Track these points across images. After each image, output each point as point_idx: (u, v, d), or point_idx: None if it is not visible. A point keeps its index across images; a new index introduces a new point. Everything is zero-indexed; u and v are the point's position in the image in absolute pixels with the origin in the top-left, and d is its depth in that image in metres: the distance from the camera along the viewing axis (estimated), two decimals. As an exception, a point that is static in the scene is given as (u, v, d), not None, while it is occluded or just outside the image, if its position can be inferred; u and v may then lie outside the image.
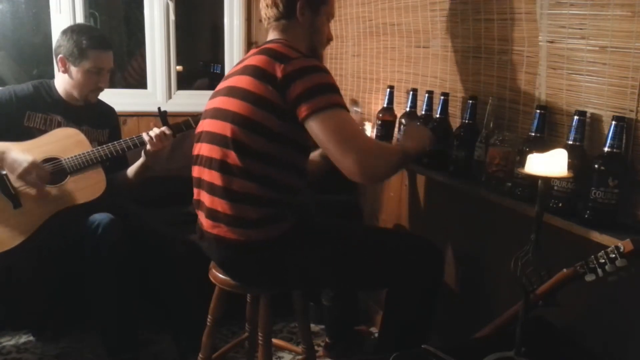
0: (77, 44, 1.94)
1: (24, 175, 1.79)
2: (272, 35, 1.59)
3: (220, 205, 1.47)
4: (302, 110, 1.38)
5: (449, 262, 1.89)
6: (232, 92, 1.48)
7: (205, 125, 1.54)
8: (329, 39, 1.66)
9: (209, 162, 1.49)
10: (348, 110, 1.44)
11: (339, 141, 1.37)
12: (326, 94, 1.39)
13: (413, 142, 1.58)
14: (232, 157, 1.43)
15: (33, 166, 1.79)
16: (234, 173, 1.44)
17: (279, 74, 1.39)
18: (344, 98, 1.46)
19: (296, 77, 1.39)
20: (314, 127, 1.38)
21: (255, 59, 1.47)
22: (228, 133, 1.44)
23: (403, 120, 1.96)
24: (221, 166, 1.46)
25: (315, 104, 1.37)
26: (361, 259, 1.53)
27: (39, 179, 1.82)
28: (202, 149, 1.53)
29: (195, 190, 1.58)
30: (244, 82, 1.45)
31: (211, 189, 1.49)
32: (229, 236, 1.48)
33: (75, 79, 1.98)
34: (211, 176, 1.49)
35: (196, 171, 1.56)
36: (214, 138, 1.48)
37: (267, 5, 1.56)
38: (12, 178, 1.84)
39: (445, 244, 1.93)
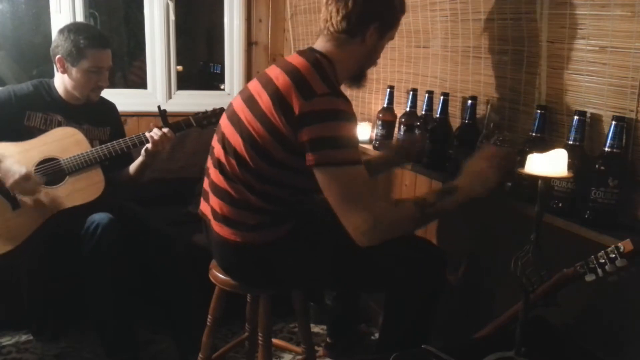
0: (75, 44, 1.93)
1: (14, 187, 1.79)
2: (321, 43, 1.47)
3: (219, 205, 1.48)
4: (310, 158, 1.31)
5: (449, 262, 1.89)
6: (250, 102, 1.42)
7: (223, 122, 1.51)
8: (378, 57, 1.58)
9: (214, 161, 1.50)
10: (361, 164, 1.34)
11: (340, 203, 1.32)
12: (337, 149, 1.30)
13: (461, 193, 1.40)
14: (233, 166, 1.43)
15: (24, 178, 1.79)
16: (233, 180, 1.44)
17: (296, 109, 1.31)
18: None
19: (311, 121, 1.30)
20: (320, 179, 1.33)
21: (280, 78, 1.37)
22: (233, 142, 1.43)
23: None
24: (223, 170, 1.46)
25: (323, 157, 1.30)
26: (362, 261, 1.52)
27: (30, 190, 1.82)
28: (215, 144, 1.52)
29: (205, 179, 1.58)
30: (263, 99, 1.38)
31: (214, 187, 1.50)
32: (228, 236, 1.48)
33: (75, 79, 1.98)
34: (215, 175, 1.49)
35: (208, 161, 1.56)
36: (224, 141, 1.47)
37: (337, 12, 1.41)
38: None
39: (445, 244, 1.92)
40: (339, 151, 1.31)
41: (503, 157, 1.41)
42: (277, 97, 1.35)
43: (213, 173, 1.50)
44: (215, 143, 1.52)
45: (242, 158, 1.41)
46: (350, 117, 1.35)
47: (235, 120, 1.45)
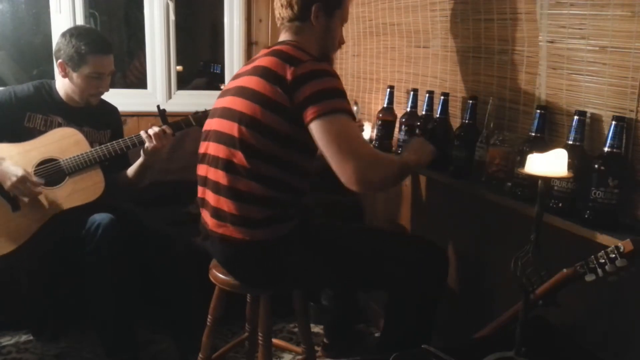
0: (77, 49, 1.92)
1: (12, 189, 1.80)
2: (284, 36, 1.59)
3: (225, 204, 1.48)
4: (308, 113, 1.38)
5: (449, 262, 1.89)
6: (241, 92, 1.48)
7: (213, 124, 1.54)
8: (341, 42, 1.65)
9: (215, 161, 1.50)
10: (354, 117, 1.44)
11: (340, 147, 1.38)
12: (333, 99, 1.39)
13: (415, 155, 1.58)
14: (239, 157, 1.44)
15: (22, 180, 1.78)
16: (240, 173, 1.45)
17: (289, 76, 1.40)
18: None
19: (305, 81, 1.39)
20: (317, 131, 1.39)
21: (265, 60, 1.47)
22: (235, 133, 1.44)
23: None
24: (227, 166, 1.46)
25: (321, 108, 1.38)
26: (363, 260, 1.53)
27: (28, 192, 1.81)
28: (209, 147, 1.53)
29: (200, 189, 1.58)
30: (253, 83, 1.45)
31: (216, 188, 1.50)
32: (234, 235, 1.48)
33: (76, 83, 1.97)
34: (217, 175, 1.49)
35: (202, 169, 1.56)
36: (221, 137, 1.48)
37: (281, 5, 1.56)
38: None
39: (446, 244, 1.93)
40: (334, 101, 1.40)
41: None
42: (268, 72, 1.44)
43: (214, 174, 1.50)
44: (210, 146, 1.52)
45: (248, 144, 1.43)
46: (336, 75, 1.46)
47: (229, 114, 1.48)
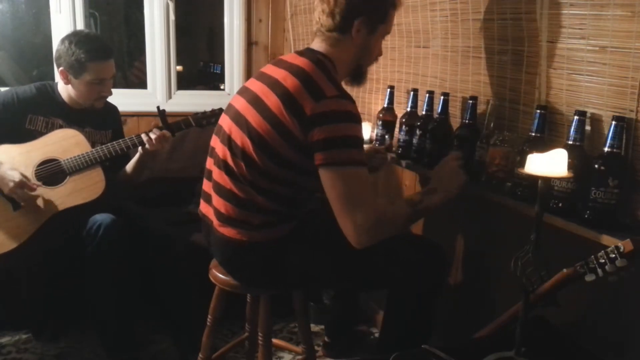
0: (77, 58, 1.92)
1: (10, 193, 1.80)
2: (318, 44, 1.50)
3: (224, 206, 1.48)
4: (318, 157, 1.35)
5: (449, 262, 1.89)
6: (256, 103, 1.42)
7: (225, 124, 1.51)
8: (379, 55, 1.58)
9: (219, 162, 1.49)
10: (365, 165, 1.38)
11: (344, 204, 1.35)
12: (346, 149, 1.34)
13: (440, 192, 1.50)
14: (241, 167, 1.43)
15: (19, 185, 1.79)
16: (240, 181, 1.44)
17: (308, 111, 1.33)
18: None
19: (324, 122, 1.33)
20: (324, 178, 1.36)
21: (289, 80, 1.39)
22: (241, 144, 1.42)
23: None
24: (230, 171, 1.46)
25: (332, 156, 1.34)
26: (362, 260, 1.52)
27: (26, 196, 1.82)
28: (217, 145, 1.52)
29: (204, 181, 1.58)
30: (270, 100, 1.39)
31: (218, 188, 1.50)
32: (232, 235, 1.48)
33: (78, 90, 1.98)
34: (219, 176, 1.49)
35: (209, 163, 1.56)
36: (228, 142, 1.46)
37: (322, 11, 1.46)
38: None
39: (445, 244, 1.92)
40: (346, 151, 1.34)
41: (459, 159, 1.55)
42: (288, 98, 1.37)
43: (217, 174, 1.50)
44: (218, 144, 1.52)
45: (251, 159, 1.41)
46: (357, 119, 1.38)
47: (241, 122, 1.44)
